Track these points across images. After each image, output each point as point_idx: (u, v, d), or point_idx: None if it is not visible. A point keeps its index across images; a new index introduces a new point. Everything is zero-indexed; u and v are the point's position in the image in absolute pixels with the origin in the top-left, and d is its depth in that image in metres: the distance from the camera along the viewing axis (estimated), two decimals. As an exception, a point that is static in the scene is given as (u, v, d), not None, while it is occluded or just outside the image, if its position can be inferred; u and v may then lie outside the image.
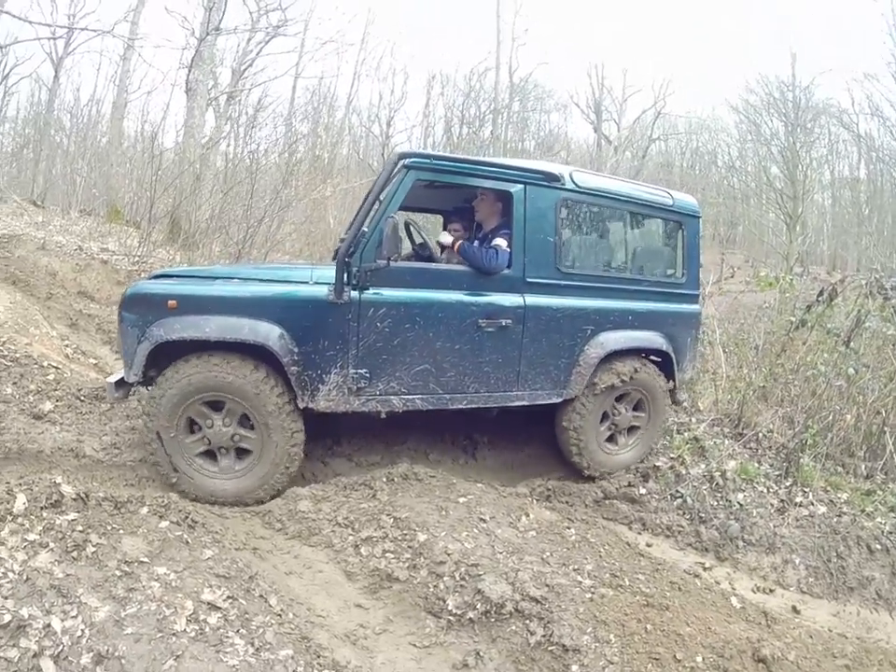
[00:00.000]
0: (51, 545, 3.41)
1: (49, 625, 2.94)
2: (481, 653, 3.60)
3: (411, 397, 4.98)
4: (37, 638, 2.86)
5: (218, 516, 4.49)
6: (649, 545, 5.08)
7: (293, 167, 16.02)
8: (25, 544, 3.37)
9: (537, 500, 5.26)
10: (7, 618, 2.90)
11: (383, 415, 5.07)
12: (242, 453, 4.81)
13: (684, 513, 5.53)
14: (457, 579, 4.00)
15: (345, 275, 4.61)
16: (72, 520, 3.65)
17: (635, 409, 6.06)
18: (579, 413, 5.65)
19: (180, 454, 4.63)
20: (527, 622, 3.75)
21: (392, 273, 4.78)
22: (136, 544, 3.64)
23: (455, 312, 5.00)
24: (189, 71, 17.00)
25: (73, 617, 3.02)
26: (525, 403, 5.44)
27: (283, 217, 14.49)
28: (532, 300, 5.28)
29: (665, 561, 4.79)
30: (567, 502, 5.44)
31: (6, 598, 3.01)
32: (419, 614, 3.87)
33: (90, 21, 22.90)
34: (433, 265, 5.44)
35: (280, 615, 3.51)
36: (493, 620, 3.78)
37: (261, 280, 4.89)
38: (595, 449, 5.79)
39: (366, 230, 4.80)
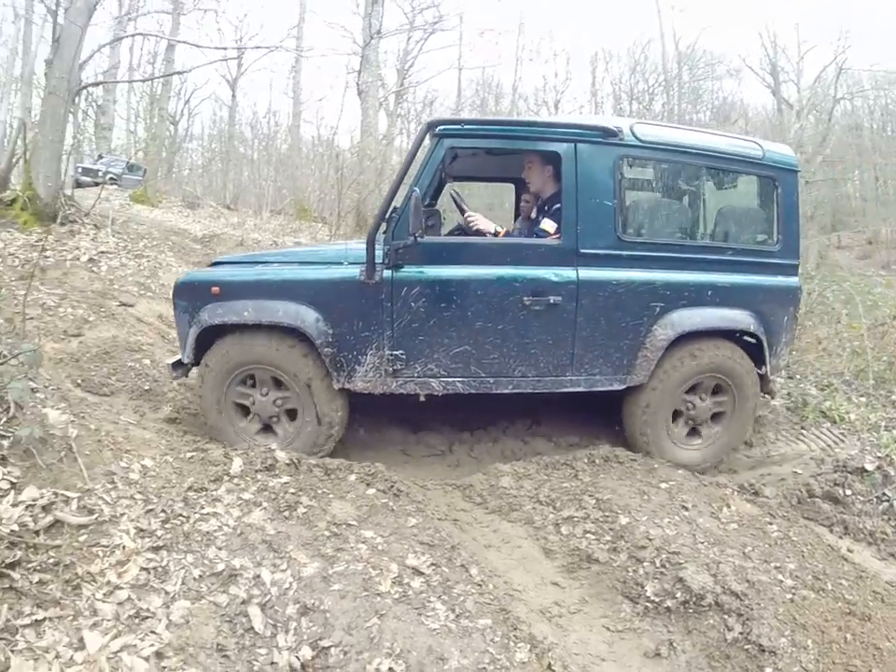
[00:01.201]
0: (264, 504, 3.69)
1: (258, 576, 3.14)
2: (674, 644, 3.36)
3: (451, 380, 4.76)
4: (247, 587, 3.06)
5: (421, 487, 4.56)
6: (850, 550, 4.44)
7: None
8: (240, 502, 3.68)
9: (737, 492, 4.74)
10: (221, 567, 3.14)
11: (422, 398, 4.88)
12: (293, 415, 4.86)
13: (889, 519, 4.78)
14: (657, 565, 3.78)
15: (375, 255, 4.50)
16: (284, 483, 3.94)
17: (715, 395, 5.25)
18: (647, 404, 5.04)
19: (240, 438, 4.76)
20: (726, 616, 3.45)
21: (426, 250, 4.59)
22: (345, 508, 3.82)
23: (496, 289, 4.66)
24: (359, 75, 17.97)
25: (282, 570, 3.22)
26: (581, 389, 4.96)
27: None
28: (587, 273, 4.75)
29: (867, 569, 4.17)
30: (767, 496, 4.90)
31: (219, 549, 3.27)
32: (615, 598, 3.70)
33: (256, 41, 25.43)
34: (470, 238, 5.11)
35: (480, 585, 3.48)
36: (690, 611, 3.52)
37: (300, 262, 4.95)
38: (668, 445, 5.18)
39: (396, 206, 4.66)
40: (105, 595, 2.87)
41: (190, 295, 4.78)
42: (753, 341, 5.14)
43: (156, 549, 3.19)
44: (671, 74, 34.94)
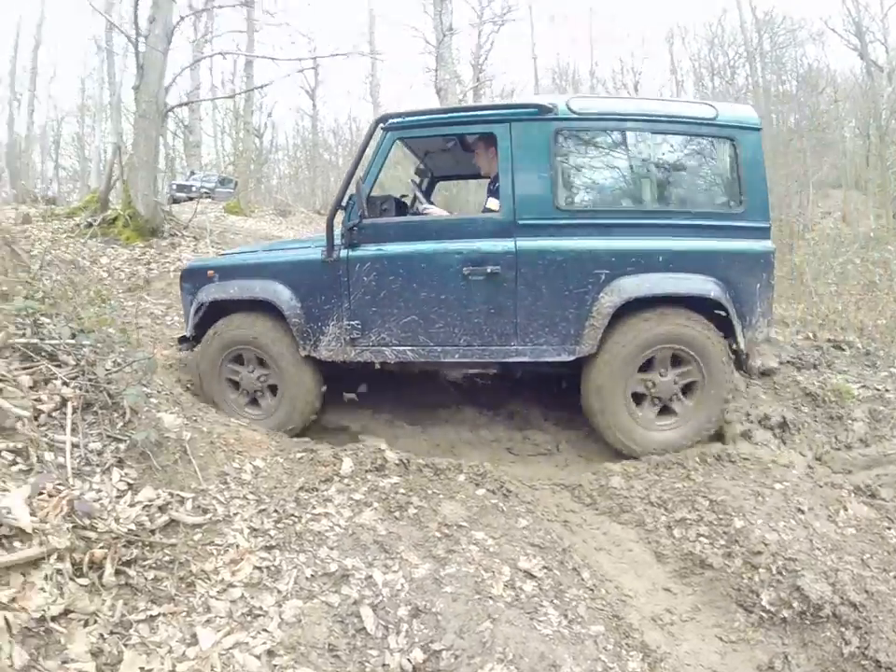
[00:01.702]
0: (375, 504, 3.72)
1: (370, 577, 3.16)
2: (789, 657, 3.24)
3: (401, 348, 5.08)
4: (359, 588, 3.09)
5: (529, 487, 4.53)
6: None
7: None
8: (351, 502, 3.72)
9: (854, 494, 4.51)
10: (333, 567, 3.18)
11: (377, 366, 5.30)
12: (274, 390, 5.39)
13: None
14: (773, 572, 3.63)
15: (333, 236, 5.03)
16: (394, 483, 3.97)
17: (676, 368, 5.04)
18: (600, 383, 4.94)
19: (232, 410, 5.31)
20: (843, 629, 3.30)
21: (377, 230, 5.07)
22: (455, 509, 3.82)
23: (437, 261, 4.95)
24: (436, 74, 17.89)
25: (394, 571, 3.23)
26: (527, 360, 5.01)
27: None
28: (525, 243, 4.87)
29: None
30: (884, 498, 4.61)
31: (331, 549, 3.31)
32: (729, 606, 3.59)
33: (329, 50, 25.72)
34: (414, 217, 5.55)
35: (592, 590, 3.44)
36: (807, 622, 3.38)
37: (281, 249, 5.82)
38: (635, 428, 5.01)
39: (352, 193, 5.04)
40: (218, 592, 2.95)
41: (192, 278, 5.61)
42: (720, 312, 4.89)
43: (269, 548, 3.26)
44: (751, 44, 33.42)
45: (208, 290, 5.37)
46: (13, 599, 2.45)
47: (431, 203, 5.87)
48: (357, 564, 3.23)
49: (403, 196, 6.13)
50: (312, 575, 3.14)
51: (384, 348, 5.11)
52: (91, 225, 9.99)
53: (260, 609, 2.89)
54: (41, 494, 2.98)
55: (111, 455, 3.40)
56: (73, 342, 3.96)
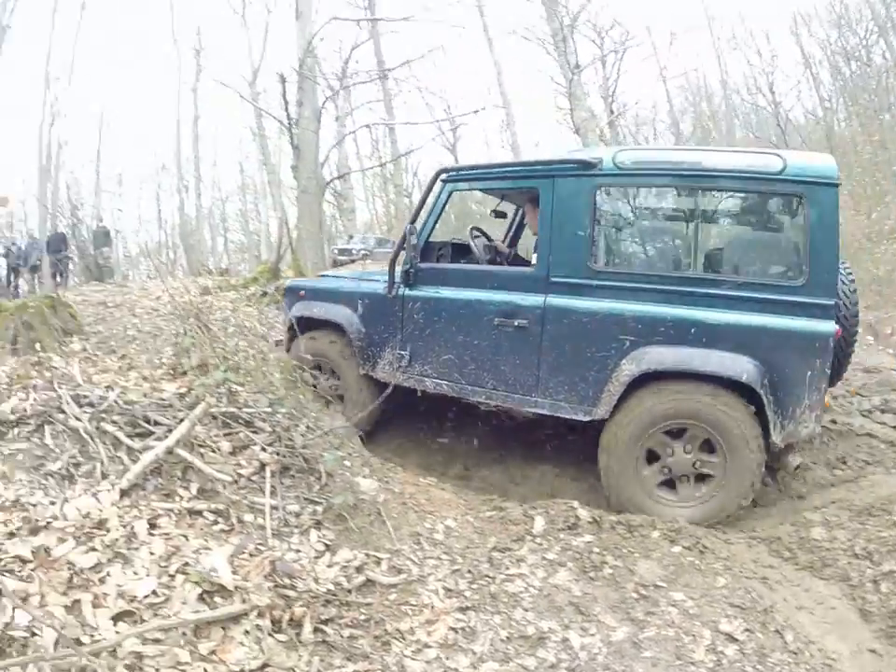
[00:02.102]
0: (569, 564, 3.68)
1: (566, 640, 3.12)
2: None
3: (439, 381, 5.43)
4: (555, 651, 3.05)
5: (724, 542, 4.31)
6: None
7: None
8: (544, 562, 3.70)
9: None
10: (529, 630, 3.16)
11: (419, 393, 5.71)
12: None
13: None
14: None
15: (394, 275, 5.52)
16: (588, 542, 3.92)
17: (702, 452, 4.60)
18: (610, 443, 4.70)
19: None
20: None
21: (428, 274, 5.51)
22: (651, 568, 3.72)
23: (473, 308, 5.21)
24: (571, 114, 17.50)
25: (590, 634, 3.18)
26: (545, 412, 5.03)
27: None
28: (554, 300, 4.90)
29: None
30: None
31: (526, 611, 3.30)
32: None
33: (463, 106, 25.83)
34: (458, 266, 5.86)
35: (796, 654, 3.22)
36: None
37: (358, 279, 6.39)
38: (632, 491, 4.69)
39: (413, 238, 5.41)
40: (413, 652, 2.98)
41: (289, 295, 6.48)
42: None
43: (463, 609, 3.28)
44: (880, 17, 29.32)
45: (298, 307, 6.16)
46: (213, 652, 2.59)
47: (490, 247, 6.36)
48: (552, 626, 3.20)
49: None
50: (507, 637, 3.13)
51: (425, 379, 5.52)
52: (265, 294, 10.52)
53: (456, 670, 2.91)
54: (243, 553, 3.14)
55: (308, 517, 3.56)
56: (269, 410, 4.22)
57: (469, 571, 3.55)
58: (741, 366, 4.33)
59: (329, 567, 3.29)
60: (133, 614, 2.72)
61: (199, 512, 3.39)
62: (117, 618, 2.69)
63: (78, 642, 2.45)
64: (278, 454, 3.85)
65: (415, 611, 3.21)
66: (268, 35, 27.93)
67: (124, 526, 3.22)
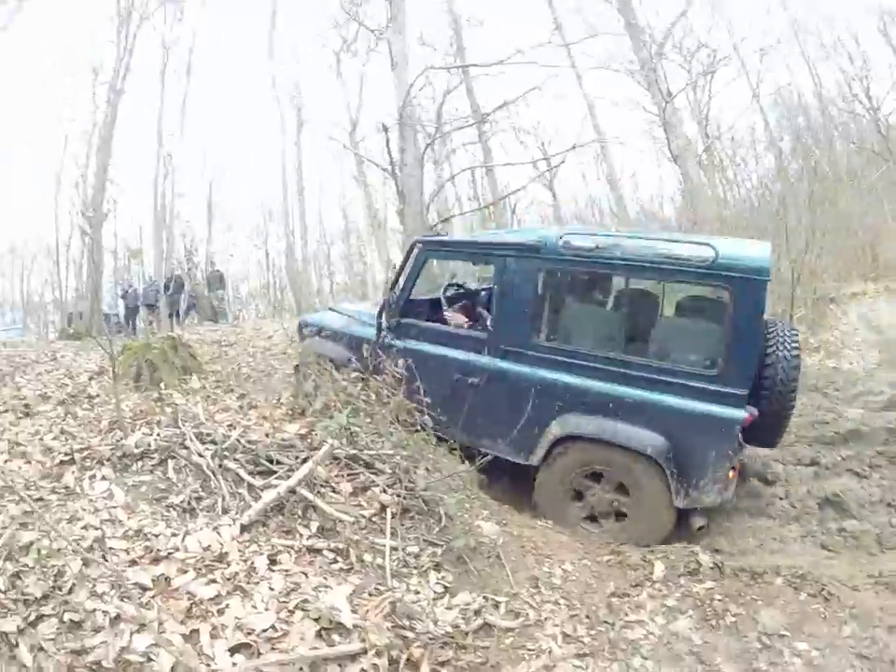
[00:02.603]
0: (689, 612, 3.56)
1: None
2: None
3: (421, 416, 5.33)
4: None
5: (850, 589, 4.02)
6: None
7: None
8: (664, 609, 3.59)
9: None
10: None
11: None
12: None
13: None
14: None
15: (381, 325, 6.23)
16: (709, 588, 3.77)
17: (619, 493, 5.03)
18: (542, 483, 5.25)
19: None
20: None
21: (406, 328, 6.14)
22: (774, 616, 3.54)
23: (438, 362, 5.78)
24: (668, 143, 16.98)
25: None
26: (495, 454, 5.28)
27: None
28: (500, 365, 5.48)
29: None
30: None
31: (645, 658, 3.19)
32: None
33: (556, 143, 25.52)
34: (428, 325, 6.26)
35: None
36: None
37: (359, 320, 6.71)
38: (562, 523, 5.02)
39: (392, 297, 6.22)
40: (529, 695, 2.92)
41: (301, 329, 7.36)
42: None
43: (581, 655, 3.21)
44: None
45: (310, 343, 6.84)
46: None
47: (453, 311, 6.90)
48: (679, 677, 3.11)
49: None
50: (626, 685, 3.06)
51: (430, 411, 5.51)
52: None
53: (575, 717, 2.85)
54: (363, 593, 3.17)
55: (428, 559, 3.57)
56: (390, 452, 4.29)
57: (588, 617, 3.47)
58: (648, 440, 4.75)
59: (449, 609, 3.28)
60: (251, 647, 2.77)
61: (318, 551, 3.45)
62: (234, 650, 2.75)
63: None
64: (398, 495, 3.90)
65: (532, 656, 3.15)
66: (363, 88, 28.41)
67: (244, 561, 3.30)
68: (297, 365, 6.94)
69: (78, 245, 31.45)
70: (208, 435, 4.45)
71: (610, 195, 28.30)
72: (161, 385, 6.20)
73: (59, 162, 30.41)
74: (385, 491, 3.95)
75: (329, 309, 8.16)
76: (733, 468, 4.75)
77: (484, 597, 3.44)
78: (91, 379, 7.66)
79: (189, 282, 20.48)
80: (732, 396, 4.62)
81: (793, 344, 5.10)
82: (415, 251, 6.25)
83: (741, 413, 4.60)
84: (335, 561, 3.39)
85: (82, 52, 26.94)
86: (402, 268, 6.47)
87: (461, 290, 7.57)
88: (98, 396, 6.52)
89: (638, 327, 5.28)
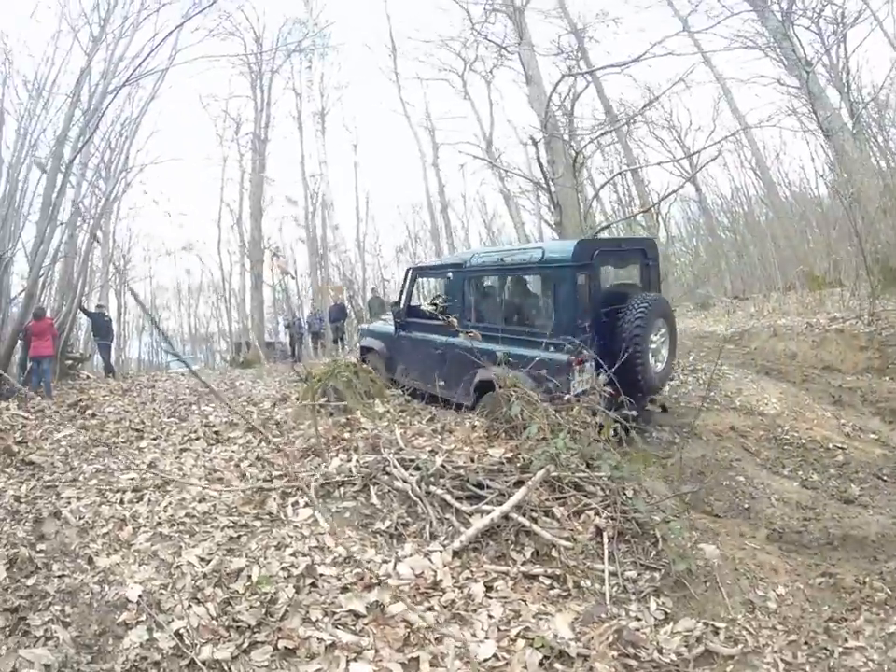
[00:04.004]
0: (911, 638, 3.28)
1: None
2: None
3: (419, 382, 8.55)
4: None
5: None
6: None
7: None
8: (883, 635, 3.35)
9: None
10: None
11: (409, 389, 8.44)
12: None
13: None
14: None
15: (396, 324, 9.30)
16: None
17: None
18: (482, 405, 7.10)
19: None
20: None
21: (407, 325, 9.14)
22: None
23: (425, 343, 8.59)
24: (816, 116, 15.60)
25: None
26: (457, 401, 7.42)
27: None
28: (450, 339, 7.79)
29: None
30: None
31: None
32: None
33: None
34: (420, 320, 8.98)
35: None
36: None
37: (387, 323, 10.06)
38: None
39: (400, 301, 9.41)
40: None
41: (360, 332, 11.31)
42: None
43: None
44: None
45: (361, 339, 10.73)
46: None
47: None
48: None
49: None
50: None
51: (415, 381, 8.65)
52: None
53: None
54: (583, 619, 3.07)
55: (646, 584, 3.43)
56: (601, 474, 4.20)
57: (807, 643, 3.25)
58: (522, 378, 6.25)
59: (672, 636, 3.13)
60: (473, 676, 2.72)
61: (535, 577, 3.39)
62: (456, 678, 2.69)
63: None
64: (612, 518, 3.80)
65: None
66: (492, 105, 28.33)
67: (460, 588, 3.27)
68: (362, 348, 10.44)
69: (238, 281, 33.98)
70: (411, 461, 4.48)
71: (756, 182, 27.01)
72: (348, 410, 6.37)
73: (217, 206, 32.66)
74: (598, 514, 3.86)
75: (380, 319, 11.45)
76: (568, 390, 6.20)
77: (704, 623, 3.28)
78: (274, 406, 7.95)
79: (350, 308, 21.06)
80: (558, 345, 6.55)
81: (640, 309, 6.74)
82: (409, 274, 9.52)
83: (565, 357, 6.43)
84: (552, 587, 3.32)
85: (223, 106, 28.47)
86: (403, 287, 9.48)
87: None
88: (285, 422, 6.74)
89: (512, 307, 7.83)
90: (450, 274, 8.36)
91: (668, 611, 3.29)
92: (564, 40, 20.16)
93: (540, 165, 12.58)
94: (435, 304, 8.79)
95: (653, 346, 6.96)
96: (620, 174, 23.89)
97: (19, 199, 11.97)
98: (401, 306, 9.20)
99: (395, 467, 4.40)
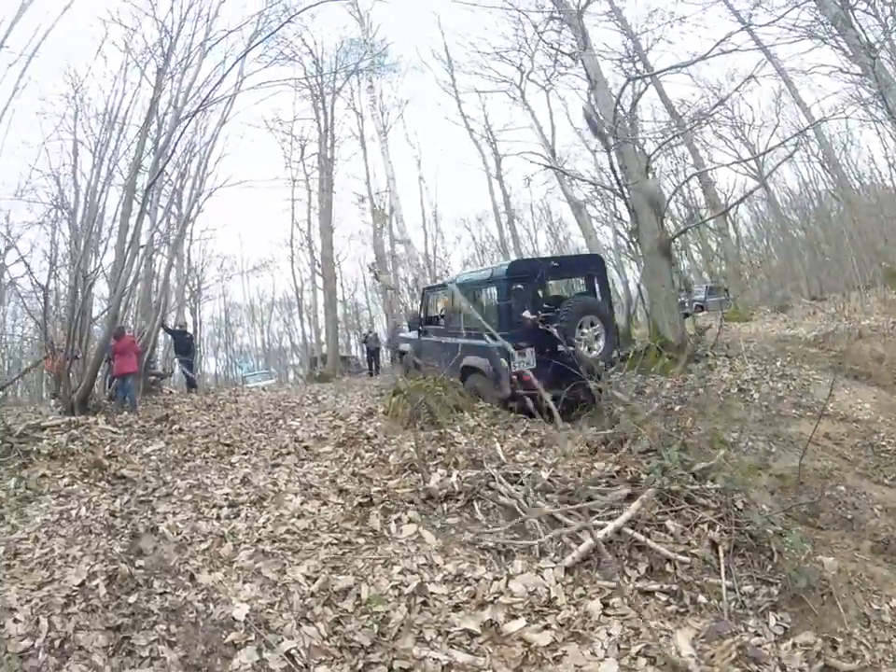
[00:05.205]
0: None
1: None
2: None
3: (432, 369, 9.63)
4: None
5: None
6: None
7: None
8: None
9: None
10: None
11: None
12: None
13: None
14: None
15: (418, 331, 12.16)
16: None
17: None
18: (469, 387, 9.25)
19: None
20: None
21: (426, 331, 11.66)
22: None
23: (437, 343, 10.69)
24: (884, 100, 14.57)
25: None
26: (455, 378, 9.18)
27: None
28: (448, 340, 10.32)
29: None
30: None
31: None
32: None
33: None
34: (433, 327, 11.54)
35: None
36: None
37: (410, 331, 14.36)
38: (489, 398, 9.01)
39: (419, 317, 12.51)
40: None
41: (398, 340, 16.57)
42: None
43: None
44: None
45: (399, 343, 14.66)
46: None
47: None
48: None
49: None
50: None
51: (428, 367, 9.97)
52: (624, 359, 10.46)
53: None
54: (704, 637, 3.02)
55: (764, 598, 3.37)
56: (715, 486, 4.14)
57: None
58: (483, 365, 9.04)
59: (792, 651, 3.07)
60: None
61: (650, 593, 3.37)
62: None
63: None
64: (726, 531, 3.74)
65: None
66: (553, 114, 28.02)
67: (575, 605, 3.24)
68: (400, 352, 14.09)
69: (309, 297, 35.25)
70: (515, 475, 4.46)
71: (826, 175, 26.31)
72: (439, 424, 6.37)
73: (285, 225, 33.26)
74: (712, 527, 3.80)
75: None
76: (514, 374, 8.17)
77: (822, 638, 3.22)
78: (361, 420, 7.97)
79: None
80: (508, 337, 7.31)
81: (565, 310, 8.66)
82: (424, 294, 12.50)
83: (508, 345, 7.01)
84: (668, 603, 3.29)
85: (288, 128, 29.10)
86: (422, 303, 12.45)
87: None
88: (376, 437, 6.76)
89: (480, 310, 9.44)
90: (437, 291, 12.15)
91: (787, 626, 3.23)
92: (618, 42, 20.03)
93: (614, 171, 12.37)
94: (442, 315, 11.91)
95: (584, 337, 8.86)
96: (692, 177, 23.32)
97: (98, 225, 12.48)
98: (420, 317, 12.27)
99: (500, 482, 4.40)
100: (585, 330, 8.81)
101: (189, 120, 12.64)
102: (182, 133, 12.67)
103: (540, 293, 9.38)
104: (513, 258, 33.05)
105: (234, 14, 35.54)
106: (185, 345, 16.11)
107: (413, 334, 12.95)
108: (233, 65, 12.84)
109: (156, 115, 12.89)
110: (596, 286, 9.65)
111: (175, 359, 17.92)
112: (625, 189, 12.41)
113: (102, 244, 12.55)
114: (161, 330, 15.23)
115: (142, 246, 12.17)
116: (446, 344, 10.30)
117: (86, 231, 11.69)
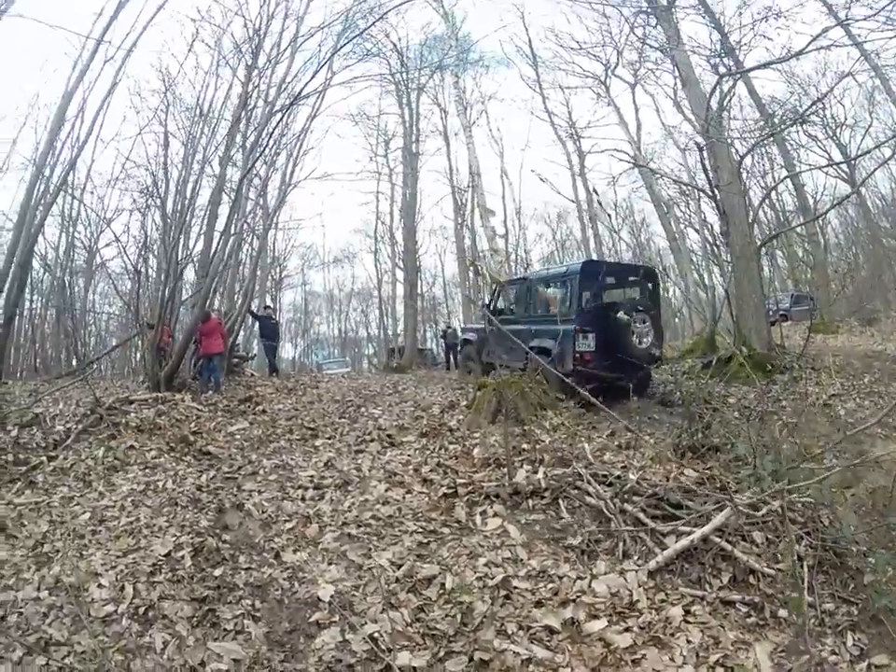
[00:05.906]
0: None
1: None
2: None
3: (498, 359, 10.27)
4: None
5: None
6: None
7: None
8: None
9: None
10: None
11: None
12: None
13: None
14: None
15: (484, 325, 13.04)
16: None
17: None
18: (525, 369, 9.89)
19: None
20: None
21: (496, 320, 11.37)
22: None
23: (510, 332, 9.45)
24: None
25: None
26: (519, 365, 10.29)
27: None
28: (519, 326, 10.98)
29: None
30: None
31: None
32: None
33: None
34: (504, 317, 11.87)
35: None
36: None
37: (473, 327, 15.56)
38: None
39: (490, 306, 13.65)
40: None
41: (463, 329, 17.90)
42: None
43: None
44: None
45: (464, 333, 15.54)
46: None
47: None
48: None
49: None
50: None
51: (493, 357, 10.91)
52: (707, 366, 10.30)
53: None
54: (783, 651, 3.05)
55: (843, 617, 3.38)
56: (802, 499, 4.13)
57: None
58: (551, 345, 9.96)
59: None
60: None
61: (731, 603, 3.42)
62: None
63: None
64: (812, 546, 3.75)
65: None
66: (638, 110, 27.43)
67: (656, 610, 3.31)
68: (464, 339, 14.74)
69: (388, 289, 36.16)
70: (603, 476, 4.52)
71: None
72: (522, 421, 6.41)
73: (368, 218, 33.57)
74: (799, 541, 3.78)
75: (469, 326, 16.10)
76: (577, 353, 9.66)
77: (892, 660, 3.19)
78: (443, 412, 8.11)
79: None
80: (570, 320, 9.91)
81: (624, 306, 10.14)
82: (497, 287, 12.90)
83: (571, 328, 9.67)
84: (748, 615, 3.32)
85: (373, 123, 29.43)
86: (493, 294, 13.06)
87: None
88: (458, 430, 6.91)
89: (550, 303, 11.18)
90: (517, 284, 12.54)
91: (863, 647, 3.23)
92: (704, 36, 19.51)
93: (706, 171, 12.23)
94: (512, 306, 12.63)
95: (637, 331, 10.05)
96: (786, 178, 22.56)
97: (189, 213, 13.17)
98: (490, 308, 12.69)
99: (588, 482, 4.47)
100: (639, 325, 10.10)
101: (283, 116, 13.04)
102: (275, 127, 12.92)
103: (604, 291, 10.86)
104: (594, 257, 33.18)
105: (319, 11, 35.95)
106: (271, 330, 16.53)
107: (477, 325, 14.25)
108: (326, 61, 13.32)
109: (245, 110, 13.40)
110: (649, 291, 11.10)
111: (257, 343, 18.30)
112: (717, 191, 12.17)
113: (191, 231, 13.36)
114: (249, 315, 15.86)
115: (233, 234, 12.48)
116: (516, 332, 10.11)
117: (177, 219, 12.22)
